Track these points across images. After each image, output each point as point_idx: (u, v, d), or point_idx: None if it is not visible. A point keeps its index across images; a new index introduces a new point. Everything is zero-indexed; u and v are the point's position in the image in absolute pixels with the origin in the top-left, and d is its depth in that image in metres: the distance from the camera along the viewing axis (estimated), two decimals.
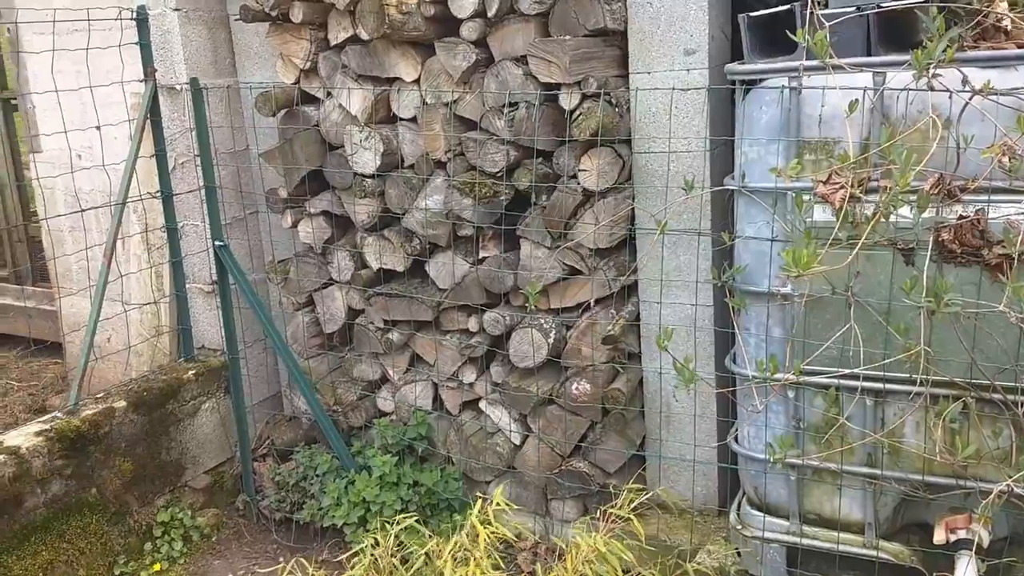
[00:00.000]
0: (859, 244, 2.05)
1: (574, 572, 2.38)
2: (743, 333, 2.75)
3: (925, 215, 2.31)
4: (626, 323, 3.16)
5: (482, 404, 3.46)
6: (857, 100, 2.20)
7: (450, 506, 3.39)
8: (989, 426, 2.44)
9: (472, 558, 2.31)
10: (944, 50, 1.95)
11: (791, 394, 2.67)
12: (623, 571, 2.66)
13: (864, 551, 2.67)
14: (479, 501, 2.60)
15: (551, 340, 3.16)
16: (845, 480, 2.66)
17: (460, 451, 3.47)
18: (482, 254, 3.28)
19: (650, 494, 2.85)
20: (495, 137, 3.05)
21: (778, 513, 2.82)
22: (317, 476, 3.56)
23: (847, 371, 2.39)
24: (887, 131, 2.14)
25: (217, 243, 3.54)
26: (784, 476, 2.75)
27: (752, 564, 2.88)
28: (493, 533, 2.50)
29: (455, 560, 2.31)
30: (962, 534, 2.57)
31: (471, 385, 3.46)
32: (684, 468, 3.31)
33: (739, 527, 2.89)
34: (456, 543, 2.42)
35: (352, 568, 2.59)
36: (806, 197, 2.35)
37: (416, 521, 3.34)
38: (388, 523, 3.16)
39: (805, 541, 2.75)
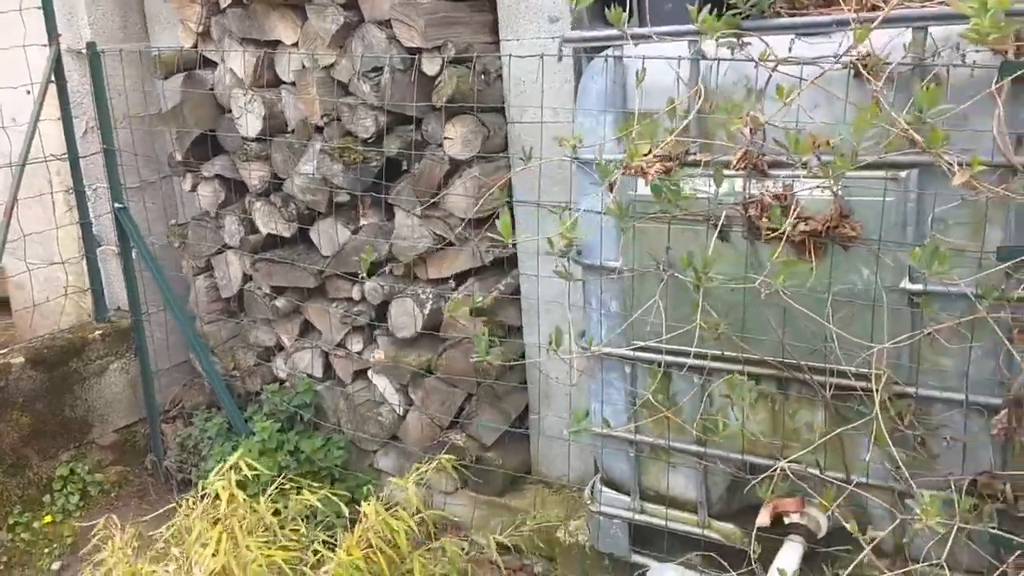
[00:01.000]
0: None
1: (360, 540, 2.55)
2: (587, 307, 2.88)
3: (740, 191, 2.41)
4: (499, 295, 3.32)
5: (370, 373, 3.66)
6: (644, 70, 2.30)
7: (331, 475, 3.62)
8: (807, 407, 2.53)
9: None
10: (718, 18, 2.05)
11: (627, 369, 2.80)
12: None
13: (696, 530, 2.80)
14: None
15: (427, 311, 3.33)
16: (678, 458, 2.79)
17: (348, 420, 3.69)
18: (362, 222, 3.47)
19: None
20: (365, 102, 3.22)
21: (622, 489, 2.96)
22: (209, 439, 3.82)
23: (641, 344, 2.52)
24: (670, 101, 2.25)
25: (117, 206, 3.81)
26: (624, 452, 2.88)
27: (597, 539, 3.02)
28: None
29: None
30: (795, 518, 2.68)
31: (360, 354, 3.66)
32: (562, 443, 3.46)
33: (588, 502, 3.04)
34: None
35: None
36: (614, 168, 2.46)
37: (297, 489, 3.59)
38: (267, 489, 3.41)
39: (643, 518, 2.88)
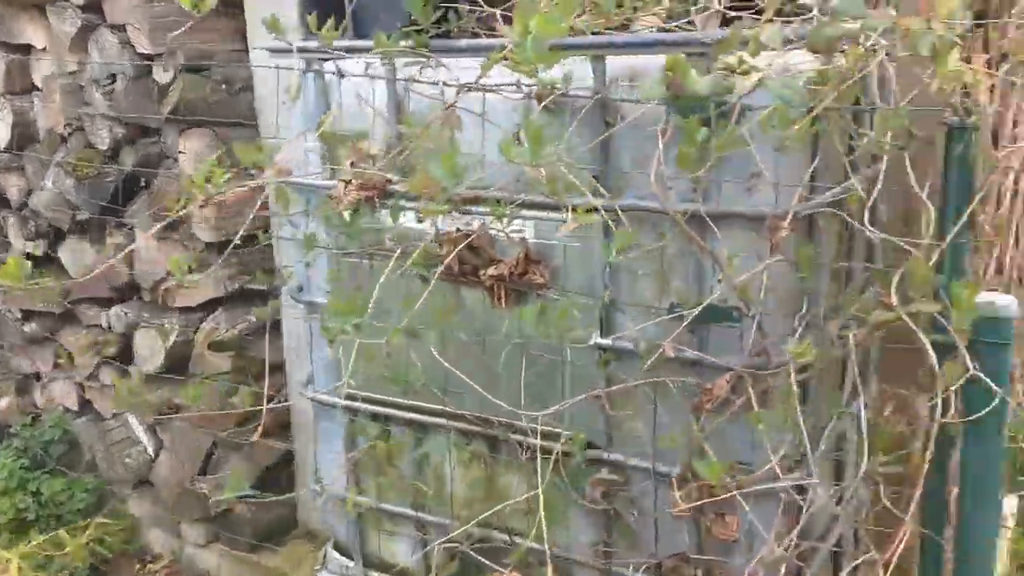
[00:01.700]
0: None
1: None
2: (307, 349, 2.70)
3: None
4: (247, 329, 3.14)
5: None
6: (296, 85, 2.16)
7: (76, 519, 3.40)
8: (515, 471, 2.35)
9: None
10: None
11: (341, 419, 2.61)
12: None
13: None
14: None
15: (169, 343, 3.14)
16: (398, 524, 2.60)
17: (103, 459, 3.48)
18: (109, 241, 3.28)
19: None
20: (103, 113, 3.05)
21: (348, 554, 2.76)
22: None
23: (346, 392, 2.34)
24: (326, 118, 2.09)
25: None
26: (343, 511, 2.69)
27: None
28: None
29: None
30: None
31: (113, 387, 3.46)
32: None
33: (317, 567, 2.85)
34: None
35: None
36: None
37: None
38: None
39: None
